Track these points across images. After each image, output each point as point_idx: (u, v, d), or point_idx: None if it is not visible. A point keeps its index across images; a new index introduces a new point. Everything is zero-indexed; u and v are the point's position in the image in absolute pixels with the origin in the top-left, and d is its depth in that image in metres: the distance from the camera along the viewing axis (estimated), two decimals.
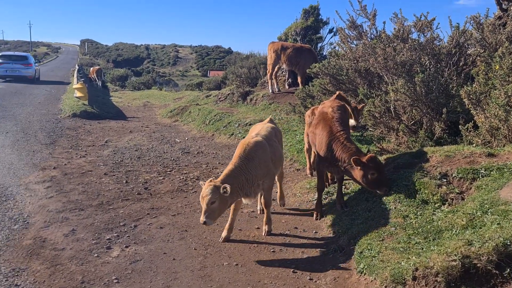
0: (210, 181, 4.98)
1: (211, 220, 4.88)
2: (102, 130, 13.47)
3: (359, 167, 5.39)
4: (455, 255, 3.73)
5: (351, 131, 6.79)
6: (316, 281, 4.46)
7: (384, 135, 8.12)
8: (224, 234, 5.47)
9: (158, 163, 9.28)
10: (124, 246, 5.34)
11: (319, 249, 5.19)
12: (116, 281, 4.51)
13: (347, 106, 6.83)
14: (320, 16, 15.83)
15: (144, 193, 7.34)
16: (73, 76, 29.67)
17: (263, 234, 5.61)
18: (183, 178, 8.15)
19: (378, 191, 5.49)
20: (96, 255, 5.08)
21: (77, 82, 20.04)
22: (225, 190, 4.82)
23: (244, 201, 5.46)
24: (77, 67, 34.70)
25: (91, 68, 34.21)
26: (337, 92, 7.12)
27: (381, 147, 7.83)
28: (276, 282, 4.49)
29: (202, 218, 4.84)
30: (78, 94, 17.86)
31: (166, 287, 4.41)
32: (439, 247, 3.99)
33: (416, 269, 3.84)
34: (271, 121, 6.33)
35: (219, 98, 17.18)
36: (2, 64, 28.48)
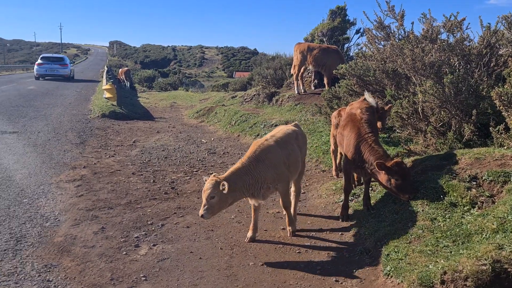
0: (213, 176, 5.03)
1: (209, 214, 4.94)
2: (130, 130, 13.70)
3: (383, 172, 5.35)
4: (485, 259, 3.67)
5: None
6: (342, 283, 4.45)
7: (411, 136, 8.02)
8: (249, 234, 5.51)
9: (184, 163, 9.39)
10: (151, 244, 5.43)
11: (345, 251, 5.17)
12: (144, 278, 4.59)
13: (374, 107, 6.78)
14: (347, 17, 15.74)
15: (171, 192, 7.44)
16: (102, 77, 30.29)
17: (289, 235, 5.62)
18: None
19: (401, 197, 5.45)
20: (124, 253, 5.18)
21: (106, 83, 20.42)
22: (223, 187, 4.83)
23: (250, 201, 5.44)
24: (106, 68, 35.38)
25: (120, 70, 34.81)
26: (364, 95, 7.07)
27: (408, 148, 7.74)
28: (302, 283, 4.49)
29: (200, 211, 4.92)
30: (107, 95, 18.20)
31: (193, 285, 4.47)
32: (468, 251, 3.93)
33: (445, 273, 3.79)
34: (296, 125, 6.24)
35: (245, 99, 17.24)
36: (42, 65, 32.26)
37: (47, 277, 4.55)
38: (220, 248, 5.32)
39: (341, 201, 6.38)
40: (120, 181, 7.99)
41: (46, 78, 32.36)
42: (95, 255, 5.11)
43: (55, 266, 4.79)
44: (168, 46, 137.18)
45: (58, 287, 4.38)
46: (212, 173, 5.21)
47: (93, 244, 5.40)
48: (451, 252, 4.21)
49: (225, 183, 4.84)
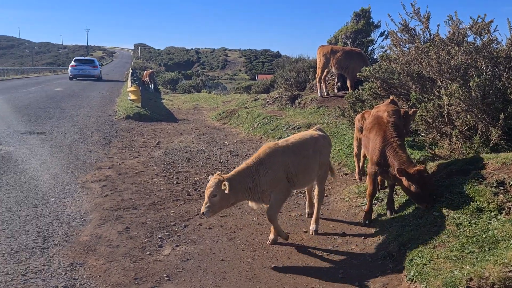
0: (217, 174, 5.06)
1: (210, 212, 5.00)
2: (154, 132, 13.86)
3: (404, 178, 5.30)
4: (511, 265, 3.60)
5: None
6: (364, 287, 4.41)
7: (436, 140, 7.90)
8: (271, 236, 5.51)
9: (207, 165, 9.46)
10: (175, 245, 5.48)
11: (368, 255, 5.13)
12: (167, 278, 4.65)
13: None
14: (372, 19, 15.60)
15: (194, 194, 7.50)
16: (127, 79, 30.77)
17: (268, 243, 5.50)
18: None
19: (419, 205, 5.40)
20: (148, 253, 5.24)
21: (131, 85, 20.71)
22: (225, 187, 4.85)
23: (250, 204, 5.41)
24: (130, 70, 35.93)
25: (144, 72, 35.31)
26: (391, 97, 7.01)
27: (433, 152, 7.64)
28: (324, 287, 4.47)
29: (202, 209, 4.97)
30: (132, 97, 18.47)
31: (216, 287, 4.50)
32: (495, 258, 3.87)
33: (470, 279, 3.74)
34: (318, 129, 6.14)
35: (268, 101, 17.26)
36: (76, 66, 37.02)
37: (73, 276, 4.65)
38: (242, 250, 5.35)
39: (364, 204, 6.34)
40: (144, 182, 8.09)
41: (78, 78, 36.67)
42: (120, 254, 5.19)
43: (80, 265, 4.89)
44: (192, 49, 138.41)
45: (83, 285, 4.46)
46: (218, 172, 5.22)
47: (118, 243, 5.49)
48: (477, 258, 4.14)
49: (227, 182, 4.85)
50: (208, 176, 8.42)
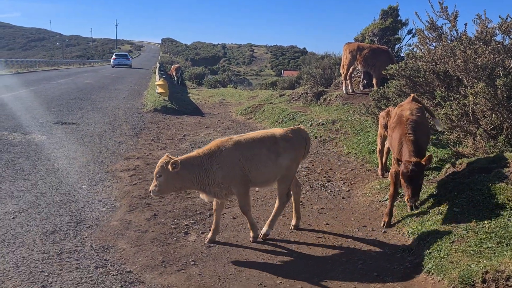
0: (166, 155, 5.07)
1: (156, 192, 5.09)
2: (181, 125, 14.16)
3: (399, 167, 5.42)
4: None
5: None
6: (382, 278, 4.54)
7: (460, 139, 7.92)
8: (209, 235, 5.46)
9: None
10: (200, 232, 5.71)
11: (387, 248, 5.25)
12: (192, 263, 4.87)
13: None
14: (399, 17, 15.54)
15: None
16: (155, 73, 31.30)
17: (251, 240, 5.46)
18: None
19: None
20: (175, 238, 5.48)
21: (159, 79, 21.10)
22: (174, 165, 4.85)
23: (201, 196, 5.40)
24: (158, 64, 36.53)
25: (172, 66, 35.79)
26: (411, 95, 7.04)
27: (457, 150, 7.67)
28: (343, 277, 4.62)
29: (150, 187, 5.09)
30: (159, 90, 18.84)
31: (238, 271, 4.70)
32: (511, 253, 3.94)
33: (486, 272, 3.84)
34: (293, 131, 5.65)
35: (293, 97, 17.37)
36: (116, 58, 54.16)
37: (104, 257, 4.91)
38: (261, 240, 5.51)
39: (386, 200, 6.44)
40: None
41: (116, 66, 51.64)
42: (148, 239, 5.44)
43: (111, 248, 5.15)
44: (218, 44, 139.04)
45: (114, 266, 4.72)
46: (167, 153, 5.25)
47: (146, 229, 5.74)
48: (494, 253, 4.23)
49: (178, 160, 4.88)
50: None
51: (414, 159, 5.28)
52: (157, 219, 6.10)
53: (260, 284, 4.45)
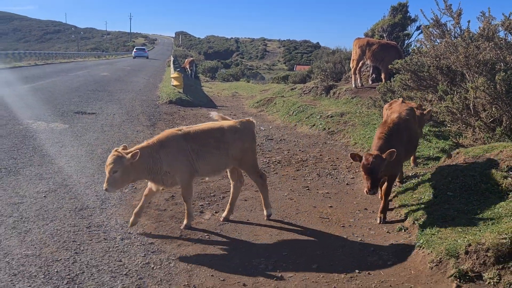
0: (115, 150, 5.14)
1: (112, 188, 5.13)
2: (195, 116, 14.71)
3: None
4: (505, 234, 4.16)
5: None
6: (378, 252, 5.03)
7: (461, 131, 8.34)
8: (131, 219, 5.54)
9: None
10: (214, 212, 6.24)
11: (385, 227, 5.73)
12: (207, 237, 5.40)
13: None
14: (408, 13, 15.88)
15: None
16: (169, 66, 31.93)
17: (182, 227, 5.62)
18: (266, 161, 8.96)
19: None
20: None
21: (174, 72, 21.68)
22: (134, 156, 4.98)
23: (149, 185, 5.56)
24: (172, 58, 37.15)
25: (185, 60, 36.36)
26: (400, 99, 7.38)
27: (457, 142, 8.11)
28: (343, 251, 5.12)
29: (104, 185, 5.07)
30: (174, 82, 19.42)
31: (248, 245, 5.22)
32: (493, 228, 4.41)
33: (469, 245, 4.30)
34: (242, 123, 5.83)
35: (304, 91, 17.81)
36: (136, 51, 66.79)
37: (128, 230, 5.46)
38: (269, 220, 6.02)
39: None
40: None
41: (136, 58, 62.44)
42: (167, 216, 5.99)
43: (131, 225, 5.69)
44: (231, 38, 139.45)
45: (137, 238, 5.27)
46: (115, 148, 5.27)
47: (165, 208, 6.29)
48: (480, 230, 4.69)
49: (133, 154, 5.00)
50: None
51: (375, 152, 5.46)
52: (175, 200, 6.64)
53: (268, 256, 4.95)
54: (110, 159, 5.05)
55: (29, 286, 4.06)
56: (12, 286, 4.04)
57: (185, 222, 5.67)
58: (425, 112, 7.62)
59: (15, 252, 4.67)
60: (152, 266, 4.61)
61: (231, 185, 6.07)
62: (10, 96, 15.40)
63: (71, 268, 4.43)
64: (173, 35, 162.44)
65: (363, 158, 5.43)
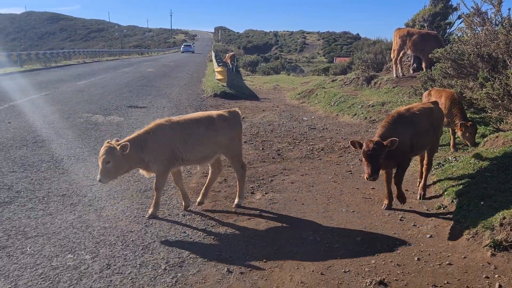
0: (107, 142, 5.29)
1: (106, 178, 5.27)
2: (239, 108, 15.23)
3: None
4: None
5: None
6: (419, 227, 5.44)
7: (502, 116, 8.53)
8: (150, 210, 5.75)
9: (288, 136, 10.70)
10: (264, 193, 6.79)
11: (425, 206, 6.12)
12: (259, 213, 5.96)
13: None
14: (450, 2, 15.90)
15: (277, 157, 8.77)
16: (210, 61, 32.77)
17: (146, 216, 5.69)
18: (309, 148, 9.44)
19: None
20: (244, 197, 6.59)
21: (218, 66, 22.41)
22: (124, 148, 5.15)
23: (140, 172, 5.76)
24: (213, 53, 38.01)
25: (226, 54, 37.11)
26: (433, 101, 7.61)
27: (497, 127, 8.32)
28: (385, 226, 5.55)
29: (98, 176, 5.23)
30: (218, 76, 20.13)
31: (297, 220, 5.74)
32: None
33: (504, 218, 4.67)
34: (230, 112, 6.19)
35: (345, 82, 18.11)
36: (184, 47, 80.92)
37: (189, 208, 6.08)
38: (318, 199, 6.52)
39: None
40: None
41: (184, 52, 75.01)
42: (222, 197, 6.59)
43: (193, 202, 6.31)
44: (270, 32, 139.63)
45: (197, 214, 5.88)
46: (107, 140, 5.44)
47: (219, 189, 6.89)
48: None
49: (122, 146, 5.18)
50: (289, 144, 9.70)
51: (376, 139, 5.52)
52: (227, 182, 7.24)
53: (316, 230, 5.45)
54: (102, 150, 5.21)
55: (111, 251, 4.73)
56: (97, 251, 4.72)
57: (150, 211, 5.73)
58: (468, 124, 7.60)
59: (95, 225, 5.38)
60: (213, 237, 5.21)
61: (210, 172, 6.30)
62: (67, 92, 16.52)
63: (144, 238, 5.09)
64: (213, 31, 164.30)
65: (364, 144, 5.50)
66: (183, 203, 6.05)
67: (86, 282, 4.11)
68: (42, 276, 4.17)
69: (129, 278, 4.21)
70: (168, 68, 32.45)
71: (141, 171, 5.75)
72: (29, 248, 4.70)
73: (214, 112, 6.08)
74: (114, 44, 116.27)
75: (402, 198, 6.04)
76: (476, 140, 8.07)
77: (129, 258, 4.60)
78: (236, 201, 6.24)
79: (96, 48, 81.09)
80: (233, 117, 6.13)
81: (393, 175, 6.05)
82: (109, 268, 4.36)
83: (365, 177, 5.49)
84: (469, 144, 7.73)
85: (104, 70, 28.65)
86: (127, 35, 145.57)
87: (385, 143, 5.41)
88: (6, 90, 16.31)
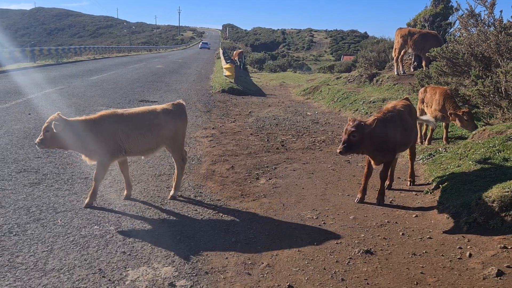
0: (58, 113, 5.53)
1: (41, 144, 5.56)
2: (246, 104, 15.95)
3: None
4: (508, 188, 5.10)
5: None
6: (406, 209, 6.05)
7: (492, 112, 9.10)
8: (87, 200, 5.88)
9: (292, 129, 11.32)
10: (268, 178, 7.42)
11: (413, 191, 6.72)
12: (263, 196, 6.59)
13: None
14: (450, 3, 16.41)
15: (281, 148, 9.39)
16: (218, 58, 33.41)
17: (83, 206, 5.81)
18: (312, 140, 10.06)
19: None
20: (249, 181, 7.22)
21: (226, 63, 23.05)
22: (56, 123, 5.32)
23: (83, 158, 5.86)
24: (221, 50, 38.65)
25: (234, 52, 37.77)
26: (406, 97, 8.19)
27: (487, 121, 8.88)
28: (376, 207, 6.16)
29: (36, 140, 5.58)
30: (226, 73, 20.77)
31: (297, 202, 6.36)
32: (500, 184, 5.35)
33: (479, 198, 5.27)
34: (175, 105, 6.28)
35: (348, 79, 18.69)
36: (202, 44, 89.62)
37: (199, 191, 6.73)
38: (317, 184, 7.14)
39: (420, 159, 7.83)
40: (242, 139, 10.13)
41: (201, 48, 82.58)
42: (229, 181, 7.22)
43: (203, 186, 6.96)
44: (278, 30, 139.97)
45: (207, 196, 6.52)
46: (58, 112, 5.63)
47: (227, 175, 7.53)
48: (491, 188, 5.61)
49: (58, 123, 5.34)
50: (293, 137, 10.31)
51: (358, 119, 5.85)
52: (234, 169, 7.87)
53: (313, 209, 6.08)
54: (48, 119, 5.46)
55: (132, 224, 5.38)
56: (119, 223, 5.37)
57: (86, 200, 5.86)
58: (459, 112, 8.15)
59: (116, 203, 6.03)
60: (221, 214, 5.84)
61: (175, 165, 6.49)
62: (81, 87, 17.21)
63: (160, 214, 5.74)
64: (220, 28, 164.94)
65: (349, 121, 5.81)
66: (125, 191, 6.24)
67: (112, 247, 4.76)
68: (73, 242, 4.82)
69: (149, 245, 4.86)
70: (176, 64, 33.14)
71: (84, 158, 5.84)
72: (60, 220, 5.36)
73: (158, 106, 6.20)
74: (122, 41, 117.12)
75: (381, 198, 6.33)
76: (468, 134, 8.64)
77: (148, 229, 5.26)
78: (171, 192, 6.33)
79: (104, 44, 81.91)
80: (177, 110, 6.27)
81: (378, 172, 6.52)
82: (131, 237, 5.02)
83: (337, 151, 5.80)
84: (470, 131, 8.24)
85: (114, 66, 29.38)
86: (135, 32, 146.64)
87: (367, 123, 5.76)
88: (23, 84, 17.04)
